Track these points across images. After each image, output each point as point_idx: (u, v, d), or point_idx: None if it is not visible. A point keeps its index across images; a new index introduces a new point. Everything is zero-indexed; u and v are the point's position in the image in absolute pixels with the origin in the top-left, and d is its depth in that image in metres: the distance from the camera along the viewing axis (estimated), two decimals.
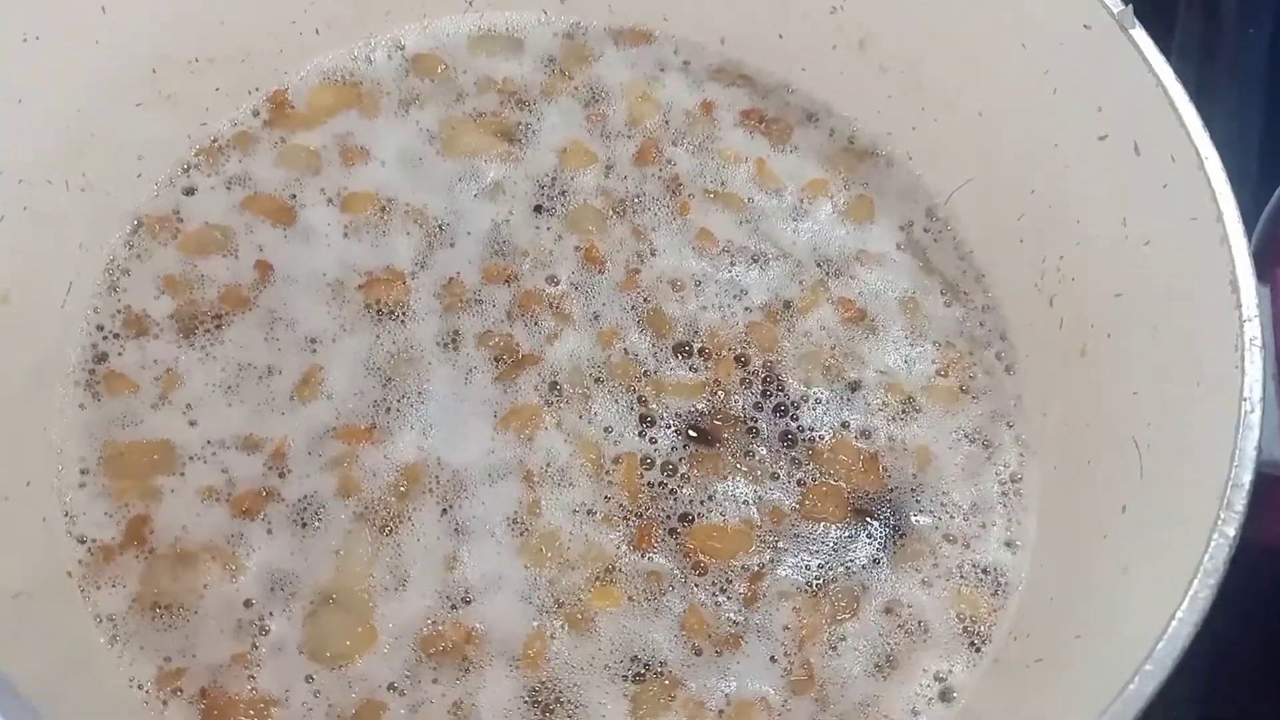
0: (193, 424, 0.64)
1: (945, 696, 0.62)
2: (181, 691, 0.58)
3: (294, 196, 0.70)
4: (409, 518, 0.62)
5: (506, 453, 0.64)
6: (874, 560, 0.64)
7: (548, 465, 0.64)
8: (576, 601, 0.61)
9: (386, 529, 0.62)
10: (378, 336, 0.67)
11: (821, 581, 0.63)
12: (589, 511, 0.63)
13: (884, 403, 0.68)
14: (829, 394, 0.68)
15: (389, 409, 0.65)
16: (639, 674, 0.60)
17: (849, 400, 0.68)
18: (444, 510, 0.63)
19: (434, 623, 0.60)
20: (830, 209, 0.73)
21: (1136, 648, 0.48)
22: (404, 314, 0.67)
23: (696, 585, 0.62)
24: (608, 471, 0.64)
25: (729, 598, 0.62)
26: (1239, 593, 0.49)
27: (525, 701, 0.59)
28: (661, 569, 0.62)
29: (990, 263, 0.72)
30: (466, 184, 0.71)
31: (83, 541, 0.61)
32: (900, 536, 0.65)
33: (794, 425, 0.67)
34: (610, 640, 0.61)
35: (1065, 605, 0.60)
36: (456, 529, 0.62)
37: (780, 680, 0.61)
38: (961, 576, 0.64)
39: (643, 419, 0.66)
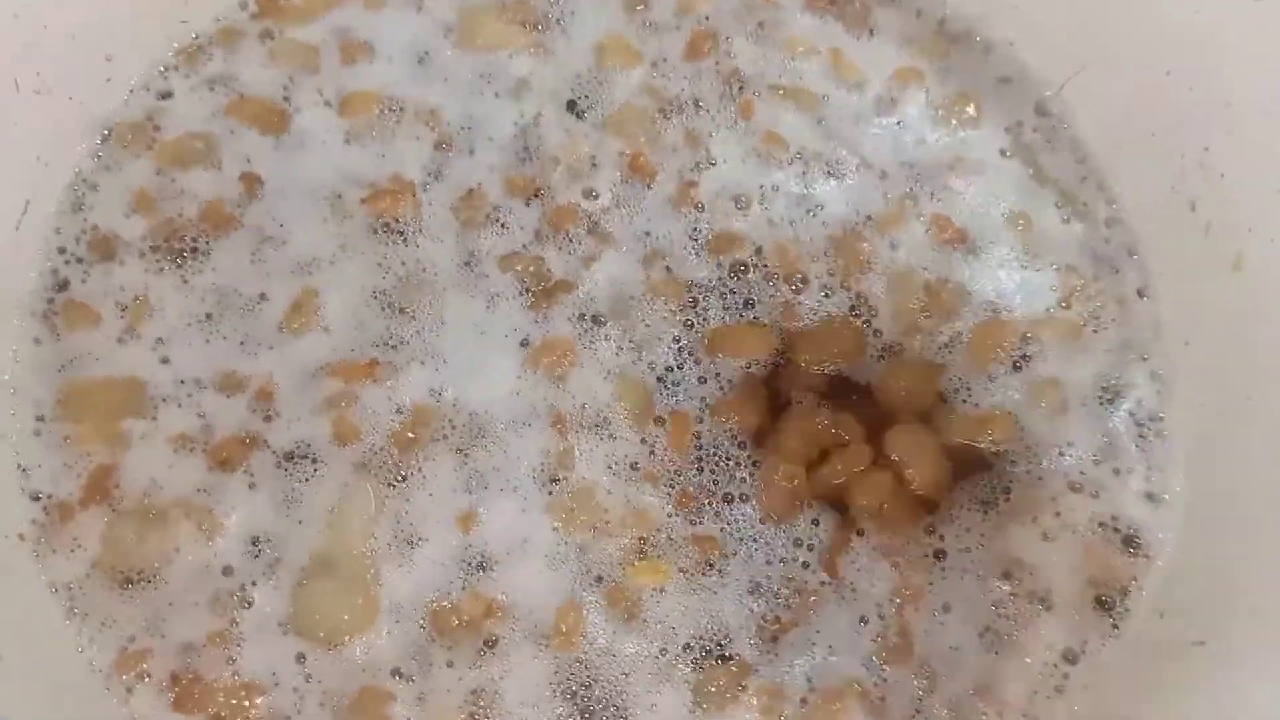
0: (165, 361, 0.57)
1: (1074, 680, 0.53)
2: (149, 676, 0.52)
3: (286, 99, 0.63)
4: (418, 469, 0.56)
5: (535, 394, 0.57)
6: (985, 511, 0.56)
7: (583, 409, 0.57)
8: (617, 574, 0.54)
9: (391, 482, 0.56)
10: (383, 258, 0.60)
11: (923, 537, 0.55)
12: (631, 465, 0.56)
13: (994, 341, 0.59)
14: (922, 330, 0.59)
15: (395, 342, 0.58)
16: (698, 659, 0.53)
17: (949, 338, 0.59)
18: (460, 460, 0.56)
19: (447, 594, 0.54)
20: (924, 103, 0.64)
21: None
22: (414, 232, 0.60)
23: (770, 541, 0.55)
24: (655, 419, 0.56)
25: (810, 553, 0.55)
26: None
27: (558, 690, 0.53)
28: (717, 533, 0.55)
29: (1114, 165, 0.63)
30: (487, 82, 0.63)
31: (37, 499, 0.55)
32: (1015, 483, 0.57)
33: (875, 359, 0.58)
34: (660, 619, 0.53)
35: (1229, 575, 0.52)
36: (474, 482, 0.56)
37: (872, 647, 0.53)
38: (1092, 532, 0.56)
39: (696, 358, 0.58)
